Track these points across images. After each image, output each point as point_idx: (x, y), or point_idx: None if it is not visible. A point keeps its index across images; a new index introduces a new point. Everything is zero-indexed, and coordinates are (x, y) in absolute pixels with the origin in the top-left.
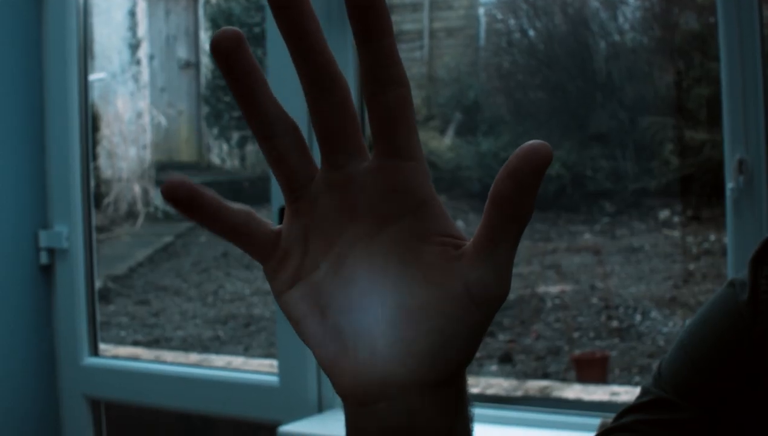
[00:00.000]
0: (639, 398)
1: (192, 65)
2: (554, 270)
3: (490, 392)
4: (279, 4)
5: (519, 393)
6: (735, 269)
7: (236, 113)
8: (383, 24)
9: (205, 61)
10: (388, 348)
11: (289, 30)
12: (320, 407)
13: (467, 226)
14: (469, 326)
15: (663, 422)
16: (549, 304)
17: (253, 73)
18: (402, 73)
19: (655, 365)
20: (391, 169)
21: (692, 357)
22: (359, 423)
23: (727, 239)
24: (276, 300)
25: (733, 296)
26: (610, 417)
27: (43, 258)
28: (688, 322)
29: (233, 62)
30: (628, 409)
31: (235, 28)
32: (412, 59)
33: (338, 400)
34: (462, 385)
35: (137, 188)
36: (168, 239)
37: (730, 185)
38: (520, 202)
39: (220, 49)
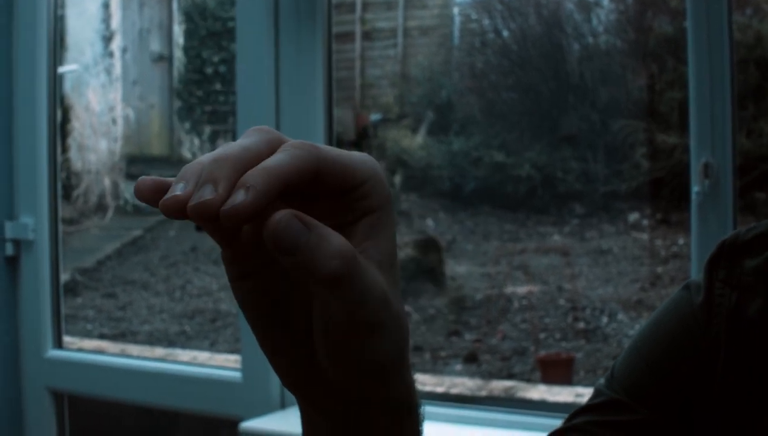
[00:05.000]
0: (591, 399)
1: (165, 59)
2: (522, 271)
3: (454, 391)
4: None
5: (483, 393)
6: (699, 273)
7: (208, 108)
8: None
9: (178, 55)
10: (319, 356)
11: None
12: (283, 404)
13: (437, 224)
14: (386, 327)
15: (615, 424)
16: (516, 304)
17: None
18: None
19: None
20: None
21: (646, 359)
22: (313, 418)
23: (692, 243)
24: (230, 285)
25: (688, 299)
26: None
27: (9, 249)
28: (642, 324)
29: None
30: (580, 410)
31: None
32: (385, 57)
33: None
34: (408, 386)
35: (107, 181)
36: (137, 232)
37: (695, 189)
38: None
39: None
